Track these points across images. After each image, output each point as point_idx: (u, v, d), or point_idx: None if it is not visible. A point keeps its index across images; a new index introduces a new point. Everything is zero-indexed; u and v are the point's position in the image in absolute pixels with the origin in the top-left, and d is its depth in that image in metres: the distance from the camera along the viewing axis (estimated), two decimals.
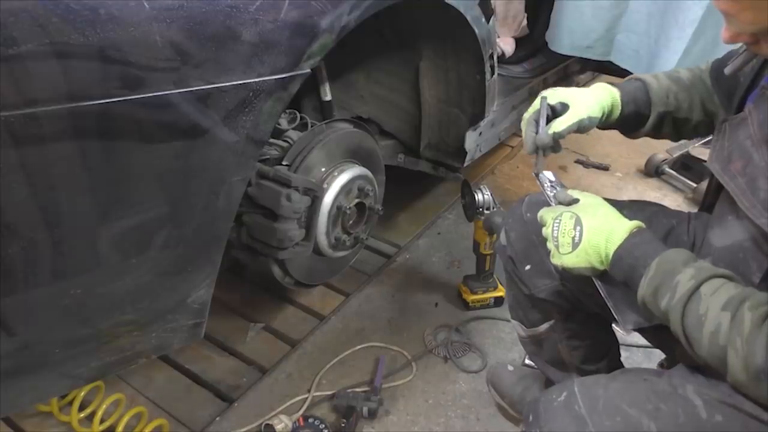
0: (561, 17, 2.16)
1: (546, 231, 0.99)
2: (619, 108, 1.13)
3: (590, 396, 0.87)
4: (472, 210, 1.76)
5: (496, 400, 1.58)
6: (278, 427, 1.45)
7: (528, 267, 1.21)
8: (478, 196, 1.73)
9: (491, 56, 1.82)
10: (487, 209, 1.73)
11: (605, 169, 2.77)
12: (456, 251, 2.17)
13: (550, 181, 1.09)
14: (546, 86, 2.53)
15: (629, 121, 1.15)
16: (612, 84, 1.16)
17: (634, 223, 0.93)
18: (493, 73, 1.87)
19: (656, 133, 1.20)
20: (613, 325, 1.28)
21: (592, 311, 1.20)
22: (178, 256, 1.08)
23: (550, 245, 0.98)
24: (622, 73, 2.16)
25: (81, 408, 1.44)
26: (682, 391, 0.86)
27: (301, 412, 1.53)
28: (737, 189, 0.91)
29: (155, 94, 0.90)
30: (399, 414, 1.56)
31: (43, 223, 0.88)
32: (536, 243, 1.18)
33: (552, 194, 1.06)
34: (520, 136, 2.90)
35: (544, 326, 1.28)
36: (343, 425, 1.49)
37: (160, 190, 1.00)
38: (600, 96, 1.11)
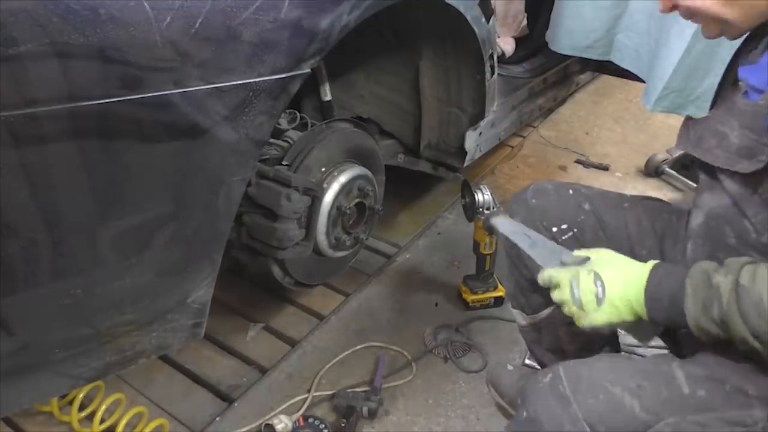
0: (561, 17, 2.16)
1: (561, 295, 0.95)
2: None
3: (574, 376, 0.88)
4: (472, 210, 1.76)
5: (496, 399, 1.58)
6: (278, 427, 1.45)
7: None
8: (478, 196, 1.73)
9: (491, 56, 1.82)
10: (487, 209, 1.73)
11: (605, 169, 2.77)
12: (456, 251, 2.16)
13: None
14: (546, 86, 2.53)
15: None
16: None
17: (651, 262, 0.92)
18: (493, 73, 1.87)
19: None
20: None
21: None
22: (178, 256, 1.08)
23: (569, 309, 0.94)
24: (622, 72, 2.16)
25: (81, 408, 1.44)
26: (666, 367, 0.87)
27: (301, 412, 1.53)
28: (713, 157, 0.97)
29: (155, 94, 0.90)
30: (399, 414, 1.56)
31: (43, 223, 0.88)
32: (541, 228, 1.19)
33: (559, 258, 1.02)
34: (521, 136, 2.94)
35: (546, 311, 1.29)
36: (343, 425, 1.49)
37: (159, 190, 1.00)
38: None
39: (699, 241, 1.04)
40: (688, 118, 1.08)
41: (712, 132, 0.99)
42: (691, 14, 0.94)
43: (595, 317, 0.91)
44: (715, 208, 1.00)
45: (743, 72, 0.99)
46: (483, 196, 1.73)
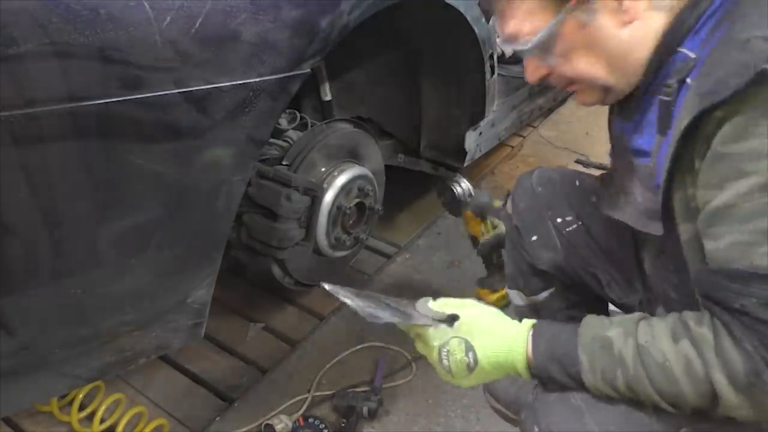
0: None
1: (431, 357, 0.91)
2: None
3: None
4: (455, 204, 1.72)
5: (491, 404, 1.57)
6: (278, 427, 1.45)
7: (535, 238, 1.22)
8: (457, 189, 1.69)
9: (491, 56, 1.82)
10: (469, 197, 1.70)
11: (605, 169, 2.77)
12: (456, 251, 2.16)
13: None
14: (546, 86, 2.53)
15: None
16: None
17: (527, 325, 0.89)
18: (493, 73, 1.87)
19: None
20: (611, 306, 1.30)
21: (593, 291, 1.23)
22: (178, 256, 1.08)
23: (438, 368, 0.91)
24: None
25: (81, 408, 1.44)
26: None
27: (301, 412, 1.53)
28: (627, 216, 0.94)
29: (155, 94, 0.90)
30: (399, 414, 1.56)
31: (43, 223, 0.88)
32: (545, 217, 1.21)
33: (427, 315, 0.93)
34: (521, 136, 2.93)
35: (545, 294, 1.29)
36: (343, 425, 1.49)
37: (160, 190, 1.00)
38: None
39: (656, 293, 1.06)
40: (603, 173, 1.06)
41: (622, 191, 0.97)
42: (569, 83, 0.90)
43: (464, 383, 0.90)
44: (651, 261, 1.02)
45: (621, 128, 0.95)
46: (460, 186, 1.69)
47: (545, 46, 0.85)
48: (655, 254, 1.03)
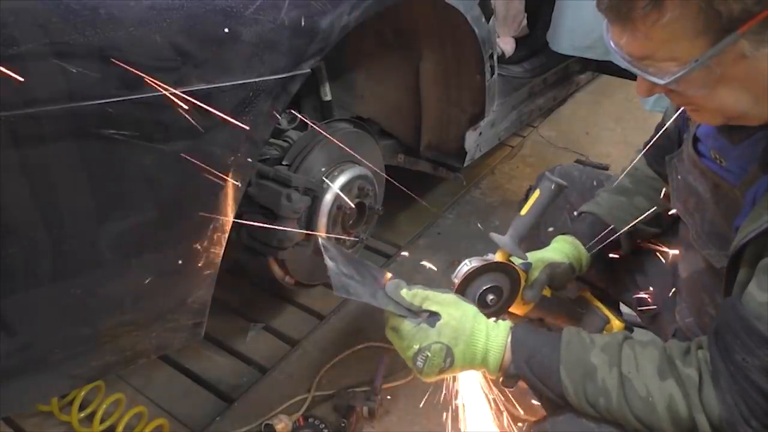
0: (562, 17, 2.16)
1: (405, 353, 0.89)
2: (585, 253, 1.14)
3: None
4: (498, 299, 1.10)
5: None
6: (278, 427, 1.45)
7: (551, 229, 1.26)
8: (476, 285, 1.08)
9: (491, 56, 1.82)
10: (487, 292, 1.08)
11: (605, 168, 2.77)
12: (456, 251, 2.16)
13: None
14: (546, 86, 2.53)
15: (602, 253, 1.17)
16: (567, 233, 1.17)
17: (504, 330, 0.89)
18: (493, 73, 1.87)
19: (638, 243, 1.20)
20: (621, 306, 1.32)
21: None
22: (177, 256, 1.08)
23: (408, 363, 0.90)
24: (622, 72, 2.16)
25: (81, 408, 1.44)
26: None
27: (301, 412, 1.53)
28: (694, 223, 0.96)
29: (155, 94, 0.90)
30: (399, 414, 1.56)
31: (43, 223, 0.88)
32: (563, 208, 1.25)
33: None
34: (521, 136, 2.93)
35: None
36: (343, 425, 1.49)
37: (160, 189, 0.99)
38: (559, 247, 1.13)
39: (687, 298, 1.06)
40: (671, 158, 1.03)
41: (689, 190, 0.95)
42: (690, 103, 0.80)
43: (431, 378, 0.90)
44: (693, 273, 1.02)
45: (710, 139, 0.90)
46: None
47: (691, 77, 0.71)
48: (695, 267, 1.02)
